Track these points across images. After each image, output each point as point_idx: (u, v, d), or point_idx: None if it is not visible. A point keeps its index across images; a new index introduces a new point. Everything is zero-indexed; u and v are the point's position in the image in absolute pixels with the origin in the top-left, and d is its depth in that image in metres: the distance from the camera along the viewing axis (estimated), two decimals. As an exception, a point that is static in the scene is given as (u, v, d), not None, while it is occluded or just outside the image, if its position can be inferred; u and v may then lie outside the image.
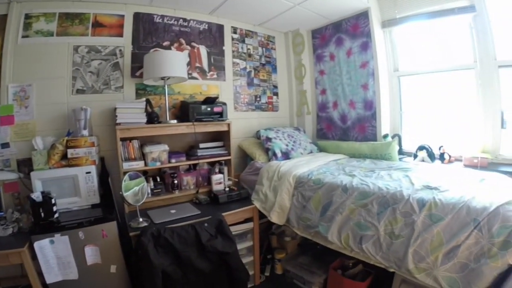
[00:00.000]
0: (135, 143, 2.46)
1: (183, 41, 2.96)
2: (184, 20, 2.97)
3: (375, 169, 2.46)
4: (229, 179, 2.85)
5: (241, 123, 3.33)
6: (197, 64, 3.08)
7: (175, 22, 2.92)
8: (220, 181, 2.76)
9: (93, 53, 2.55)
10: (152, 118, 2.51)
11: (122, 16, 2.66)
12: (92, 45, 2.54)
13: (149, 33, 2.78)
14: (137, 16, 2.72)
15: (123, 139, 2.37)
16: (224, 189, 2.71)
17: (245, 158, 3.24)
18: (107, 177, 2.35)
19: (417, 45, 3.06)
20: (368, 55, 3.15)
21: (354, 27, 3.26)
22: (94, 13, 2.54)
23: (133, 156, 2.45)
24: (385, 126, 3.15)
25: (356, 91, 3.33)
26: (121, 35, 2.66)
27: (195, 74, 3.06)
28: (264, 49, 3.68)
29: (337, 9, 3.16)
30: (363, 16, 3.15)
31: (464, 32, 2.66)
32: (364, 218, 1.87)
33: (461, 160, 2.58)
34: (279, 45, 3.87)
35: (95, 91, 2.56)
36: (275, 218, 2.45)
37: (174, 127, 2.58)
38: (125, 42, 2.68)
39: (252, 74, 3.56)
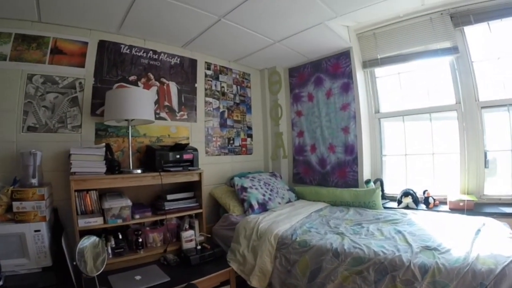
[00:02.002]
0: (93, 195, 2.38)
1: (151, 76, 3.03)
2: (154, 52, 3.06)
3: (362, 222, 2.62)
4: (201, 235, 2.86)
5: (212, 168, 3.39)
6: (166, 103, 3.14)
7: (144, 54, 2.99)
8: (191, 238, 2.74)
9: (49, 84, 2.49)
10: (113, 166, 2.46)
11: (86, 43, 2.66)
12: (48, 75, 2.49)
13: (114, 65, 2.80)
14: (102, 45, 2.74)
15: (78, 190, 2.31)
16: (196, 247, 2.69)
17: (217, 207, 3.27)
18: (61, 233, 2.24)
19: (399, 86, 3.45)
20: (350, 97, 3.46)
21: (335, 67, 3.59)
22: (54, 37, 2.51)
23: (90, 209, 2.36)
24: (366, 170, 3.41)
25: (336, 134, 3.60)
26: (82, 65, 2.65)
27: (163, 114, 3.11)
28: (238, 87, 3.87)
29: (318, 47, 3.49)
30: (344, 56, 3.49)
31: (446, 74, 3.10)
32: (360, 286, 1.91)
33: (446, 203, 2.89)
34: (255, 83, 4.10)
35: (49, 129, 2.48)
36: (256, 282, 2.43)
37: (138, 178, 2.55)
38: (87, 74, 2.67)
39: (226, 114, 3.70)
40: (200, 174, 2.91)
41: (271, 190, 3.31)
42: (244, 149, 3.89)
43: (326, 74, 3.69)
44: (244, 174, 3.47)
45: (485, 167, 2.88)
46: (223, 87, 3.69)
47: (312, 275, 2.14)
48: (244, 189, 3.13)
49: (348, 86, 3.48)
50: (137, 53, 2.95)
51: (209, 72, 3.55)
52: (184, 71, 3.30)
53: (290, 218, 2.77)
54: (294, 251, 2.29)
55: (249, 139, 3.97)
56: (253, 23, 2.86)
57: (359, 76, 3.47)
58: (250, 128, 4.00)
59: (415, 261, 1.80)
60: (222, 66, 3.70)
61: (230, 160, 3.70)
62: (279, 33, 3.10)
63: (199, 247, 2.71)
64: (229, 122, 3.73)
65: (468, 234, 2.10)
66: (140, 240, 2.55)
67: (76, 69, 2.63)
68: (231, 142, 3.74)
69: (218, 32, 2.95)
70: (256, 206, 2.99)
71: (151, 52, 3.04)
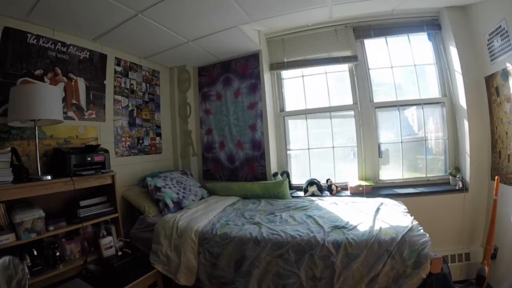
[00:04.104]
0: (0, 208, 2.11)
1: (59, 71, 2.72)
2: (63, 44, 2.76)
3: (274, 211, 2.93)
4: (119, 240, 2.77)
5: (123, 169, 3.25)
6: (74, 101, 2.87)
7: (52, 46, 2.67)
8: (110, 245, 2.65)
9: None
10: (21, 173, 2.19)
11: (-11, 29, 2.24)
12: None
13: (20, 57, 2.43)
14: (7, 33, 2.35)
15: (-18, 204, 2.00)
16: (117, 253, 2.62)
17: (132, 210, 3.17)
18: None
19: (303, 88, 3.92)
20: (257, 97, 3.76)
21: (244, 68, 3.85)
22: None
23: (-1, 225, 2.08)
24: (273, 164, 3.79)
25: (244, 132, 3.87)
26: (-17, 56, 2.22)
27: (71, 113, 2.84)
28: (147, 84, 3.77)
29: (230, 49, 3.69)
30: (254, 58, 3.77)
31: (346, 78, 3.71)
32: (283, 267, 2.17)
33: (347, 189, 3.48)
34: (164, 81, 4.05)
35: None
36: (183, 280, 2.50)
37: (49, 185, 2.33)
38: (-13, 66, 2.25)
39: (135, 113, 3.57)
40: (113, 177, 2.81)
41: (184, 188, 3.38)
42: (153, 148, 3.83)
43: (235, 75, 3.91)
44: (156, 174, 3.45)
45: (379, 156, 3.60)
46: (132, 84, 3.55)
47: (238, 265, 2.30)
48: (157, 189, 3.13)
49: (255, 87, 3.78)
50: (45, 44, 2.61)
51: (118, 69, 3.36)
52: (94, 66, 3.06)
53: (207, 214, 2.90)
54: (217, 244, 2.42)
55: (158, 138, 3.92)
56: (170, 21, 2.87)
57: (266, 77, 3.80)
58: (159, 126, 3.95)
59: (328, 239, 2.15)
60: (132, 63, 3.55)
61: (140, 160, 3.61)
62: (194, 33, 3.18)
63: (120, 253, 2.65)
64: (138, 121, 3.62)
65: (370, 212, 2.59)
66: (58, 253, 2.35)
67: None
68: (141, 141, 3.64)
69: (133, 28, 2.85)
70: (171, 205, 3.03)
71: (59, 44, 2.73)
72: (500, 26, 2.66)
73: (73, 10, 2.46)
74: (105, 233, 2.69)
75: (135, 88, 3.59)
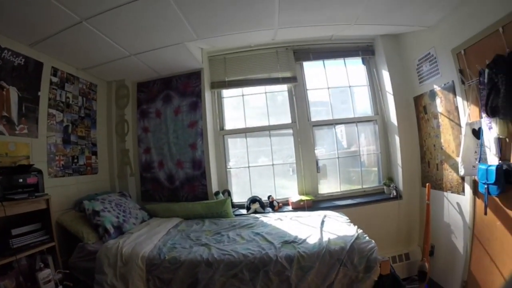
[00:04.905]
0: None
1: (-10, 77, 2.37)
2: (-3, 47, 2.41)
3: (220, 230, 2.91)
4: (58, 272, 2.46)
5: (57, 192, 2.90)
6: (5, 113, 2.49)
7: (-15, 48, 2.31)
8: (49, 278, 2.33)
9: None
10: None
11: None
12: None
13: None
14: None
15: None
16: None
17: (68, 237, 2.81)
18: None
19: (243, 107, 4.02)
20: (197, 115, 3.74)
21: (185, 86, 3.81)
22: None
23: None
24: (214, 183, 3.77)
25: (183, 151, 3.79)
26: None
27: (0, 127, 2.46)
28: (84, 99, 3.48)
29: (172, 65, 3.63)
30: (195, 76, 3.77)
31: (285, 98, 3.93)
32: (239, 287, 2.17)
33: (288, 205, 3.61)
34: (101, 96, 3.77)
35: None
36: None
37: (-24, 210, 2.01)
38: None
39: (70, 129, 3.25)
40: (47, 201, 2.54)
41: (124, 211, 3.16)
42: (89, 168, 3.50)
43: (176, 92, 3.84)
44: (93, 197, 3.15)
45: (317, 172, 3.83)
46: (68, 97, 3.22)
47: (190, 289, 2.24)
48: (96, 213, 2.87)
49: (196, 105, 3.76)
50: (-22, 46, 2.25)
51: (55, 79, 3.03)
52: (28, 75, 2.71)
53: (151, 237, 2.76)
54: (166, 270, 2.31)
55: (94, 157, 3.60)
56: (116, 33, 2.76)
57: (207, 95, 3.82)
58: (94, 144, 3.63)
59: (280, 254, 2.22)
60: (69, 74, 3.24)
61: (75, 181, 3.27)
62: (138, 47, 3.08)
63: (60, 287, 2.37)
64: (73, 138, 3.29)
65: (316, 225, 2.75)
66: (-9, 292, 1.99)
67: None
68: (75, 160, 3.30)
69: (75, 36, 2.65)
70: (112, 230, 2.81)
71: (-7, 46, 2.38)
72: (429, 53, 3.10)
73: (13, 9, 2.19)
74: (42, 265, 2.35)
75: (71, 102, 3.27)
